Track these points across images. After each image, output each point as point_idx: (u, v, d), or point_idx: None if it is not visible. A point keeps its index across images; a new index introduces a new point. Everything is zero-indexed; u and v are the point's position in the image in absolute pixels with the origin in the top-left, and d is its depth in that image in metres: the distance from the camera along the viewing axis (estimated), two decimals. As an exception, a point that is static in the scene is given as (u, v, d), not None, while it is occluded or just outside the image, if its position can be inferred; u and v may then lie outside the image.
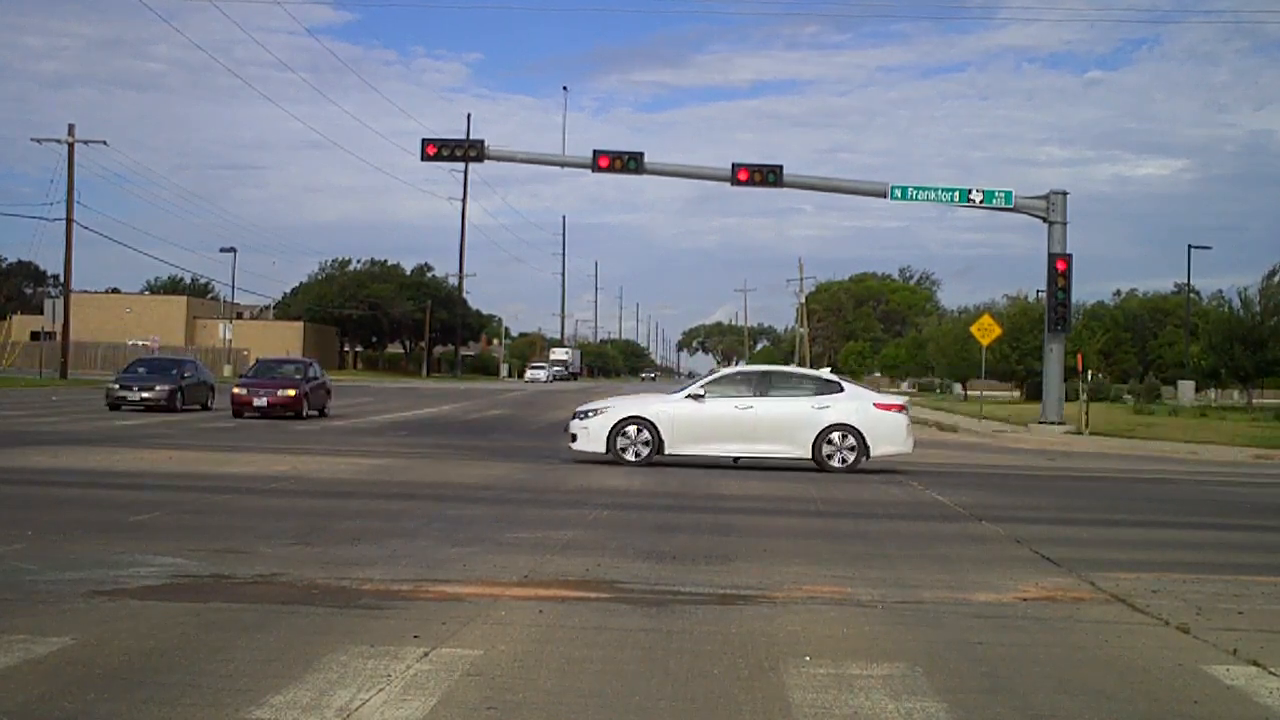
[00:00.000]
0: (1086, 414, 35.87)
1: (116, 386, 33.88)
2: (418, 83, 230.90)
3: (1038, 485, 20.27)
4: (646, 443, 20.46)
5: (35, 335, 74.64)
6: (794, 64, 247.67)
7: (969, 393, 72.42)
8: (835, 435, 20.54)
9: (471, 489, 16.46)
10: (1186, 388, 61.10)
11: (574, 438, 20.87)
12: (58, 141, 53.71)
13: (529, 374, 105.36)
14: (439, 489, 16.40)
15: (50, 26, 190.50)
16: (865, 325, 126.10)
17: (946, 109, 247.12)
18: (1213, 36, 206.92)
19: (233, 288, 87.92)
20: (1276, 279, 53.78)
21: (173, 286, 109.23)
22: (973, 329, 44.75)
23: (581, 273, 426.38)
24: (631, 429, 20.55)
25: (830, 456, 20.50)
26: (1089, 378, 40.68)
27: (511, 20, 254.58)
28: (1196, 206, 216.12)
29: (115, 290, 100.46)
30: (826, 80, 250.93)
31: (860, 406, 20.92)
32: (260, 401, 32.01)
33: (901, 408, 21.44)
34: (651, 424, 20.54)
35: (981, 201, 39.03)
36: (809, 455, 20.60)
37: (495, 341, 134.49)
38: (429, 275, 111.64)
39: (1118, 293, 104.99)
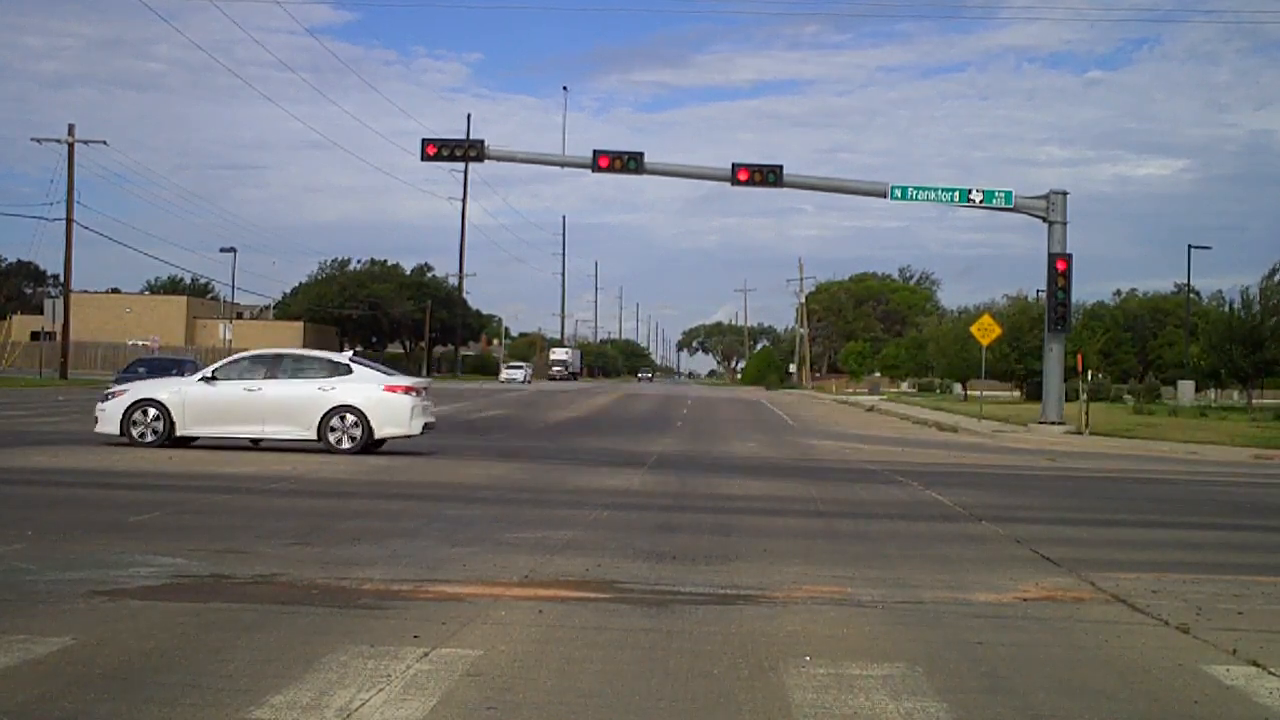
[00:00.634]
0: (1086, 414, 35.86)
1: (116, 386, 33.80)
2: (418, 83, 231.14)
3: (1038, 485, 20.27)
4: (158, 425, 20.86)
5: (35, 335, 74.64)
6: (795, 64, 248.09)
7: (969, 393, 72.41)
8: (340, 417, 20.90)
9: (471, 489, 16.45)
10: (1186, 388, 61.06)
11: (96, 420, 21.34)
12: (58, 141, 53.74)
13: (504, 374, 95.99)
14: (439, 489, 16.41)
15: (50, 26, 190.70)
16: (865, 325, 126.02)
17: (947, 109, 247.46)
18: (1213, 36, 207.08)
19: (233, 288, 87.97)
20: (1277, 279, 53.73)
21: (173, 286, 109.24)
22: (973, 329, 44.74)
23: (582, 273, 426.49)
24: (145, 411, 20.93)
25: (338, 440, 20.87)
26: (1089, 378, 40.67)
27: (512, 20, 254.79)
28: (1197, 206, 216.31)
29: (115, 290, 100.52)
30: (827, 80, 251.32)
31: (367, 389, 21.21)
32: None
33: (409, 389, 21.68)
34: (163, 406, 20.92)
35: (981, 201, 39.02)
36: (315, 437, 20.97)
37: (495, 341, 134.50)
38: (429, 275, 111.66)
39: (1118, 293, 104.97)
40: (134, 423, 20.88)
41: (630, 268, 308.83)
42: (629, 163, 39.26)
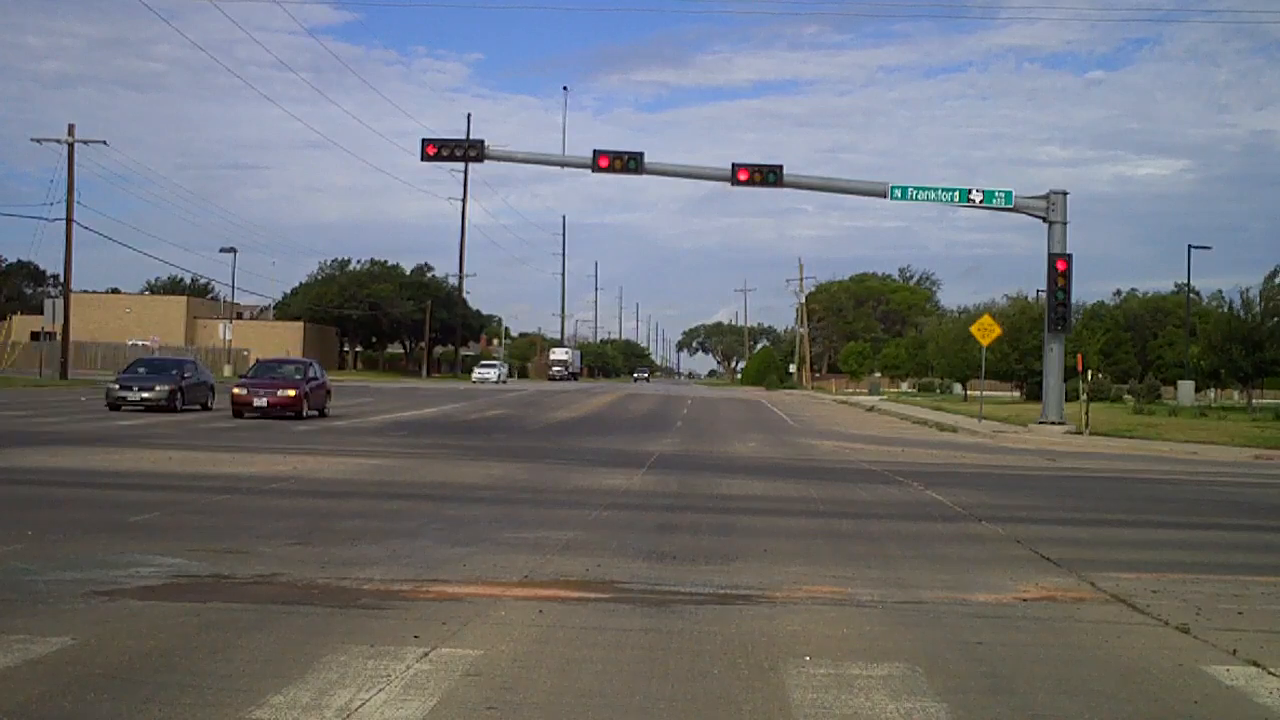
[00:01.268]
0: (1087, 414, 35.86)
1: (116, 386, 33.84)
2: (418, 83, 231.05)
3: (1038, 485, 20.26)
4: None
5: (35, 335, 74.54)
6: (795, 64, 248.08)
7: (969, 393, 72.41)
8: None
9: (471, 489, 16.45)
10: (1186, 388, 61.02)
11: None
12: (58, 141, 53.70)
13: (477, 373, 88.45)
14: (439, 489, 16.40)
15: (51, 26, 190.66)
16: (865, 325, 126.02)
17: (947, 109, 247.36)
18: (1214, 36, 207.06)
19: (233, 288, 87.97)
20: (1277, 280, 53.69)
21: (173, 286, 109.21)
22: (973, 329, 44.73)
23: (582, 273, 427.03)
24: None
25: None
26: (1089, 378, 40.66)
27: (513, 20, 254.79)
28: (1197, 207, 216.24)
29: (115, 290, 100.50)
30: (828, 80, 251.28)
31: None
32: (260, 401, 31.99)
33: None
34: None
35: (981, 201, 39.02)
36: None
37: (495, 341, 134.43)
38: (429, 275, 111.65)
39: (1118, 293, 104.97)
40: None
41: (630, 268, 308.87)
42: (629, 163, 39.26)
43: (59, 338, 57.66)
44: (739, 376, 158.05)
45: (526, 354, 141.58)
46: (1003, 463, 25.50)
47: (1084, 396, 37.18)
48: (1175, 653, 7.62)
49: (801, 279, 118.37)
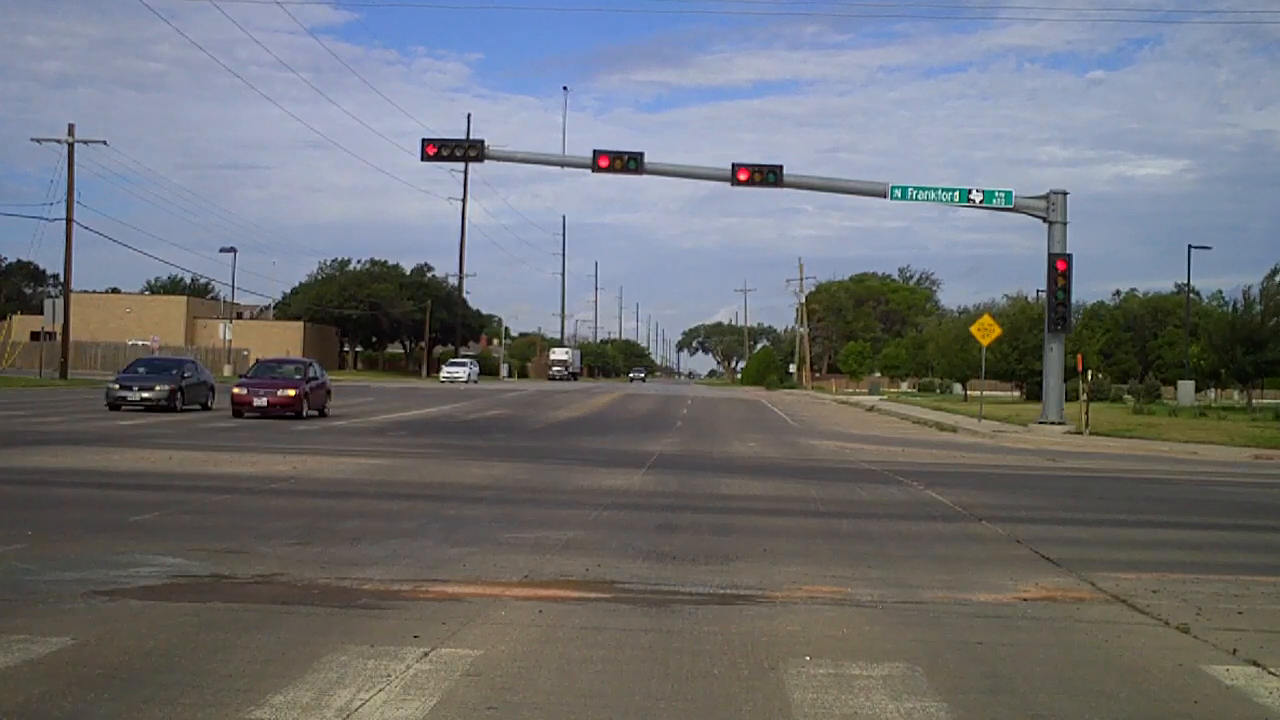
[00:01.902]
0: (1087, 414, 35.86)
1: (116, 386, 33.84)
2: (419, 83, 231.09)
3: (1038, 485, 20.26)
4: None
5: (35, 335, 74.62)
6: (796, 64, 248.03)
7: (969, 393, 72.41)
8: None
9: (471, 489, 16.45)
10: (1186, 388, 61.01)
11: None
12: (58, 141, 53.69)
13: (445, 372, 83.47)
14: (439, 489, 16.40)
15: (51, 26, 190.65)
16: (865, 325, 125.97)
17: (948, 109, 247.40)
18: (1214, 36, 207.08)
19: (233, 288, 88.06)
20: (1278, 279, 53.67)
21: (173, 286, 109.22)
22: (973, 329, 44.73)
23: (582, 273, 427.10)
24: None
25: None
26: (1089, 378, 40.63)
27: (513, 20, 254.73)
28: (1198, 207, 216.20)
29: (115, 290, 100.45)
30: (828, 80, 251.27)
31: None
32: (260, 401, 31.99)
33: None
34: None
35: (981, 202, 39.02)
36: None
37: (495, 341, 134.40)
38: (429, 275, 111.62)
39: (1118, 293, 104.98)
40: None
41: (630, 268, 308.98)
42: (629, 163, 39.27)
43: (59, 338, 57.67)
44: (739, 376, 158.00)
45: (526, 354, 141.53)
46: (1003, 463, 25.50)
47: (1084, 396, 37.18)
48: (1175, 653, 7.62)
49: (801, 279, 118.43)
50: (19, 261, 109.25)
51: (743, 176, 38.85)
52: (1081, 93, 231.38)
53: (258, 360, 40.76)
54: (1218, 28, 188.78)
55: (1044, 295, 42.42)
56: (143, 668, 6.47)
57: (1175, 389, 65.43)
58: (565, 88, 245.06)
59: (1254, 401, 57.47)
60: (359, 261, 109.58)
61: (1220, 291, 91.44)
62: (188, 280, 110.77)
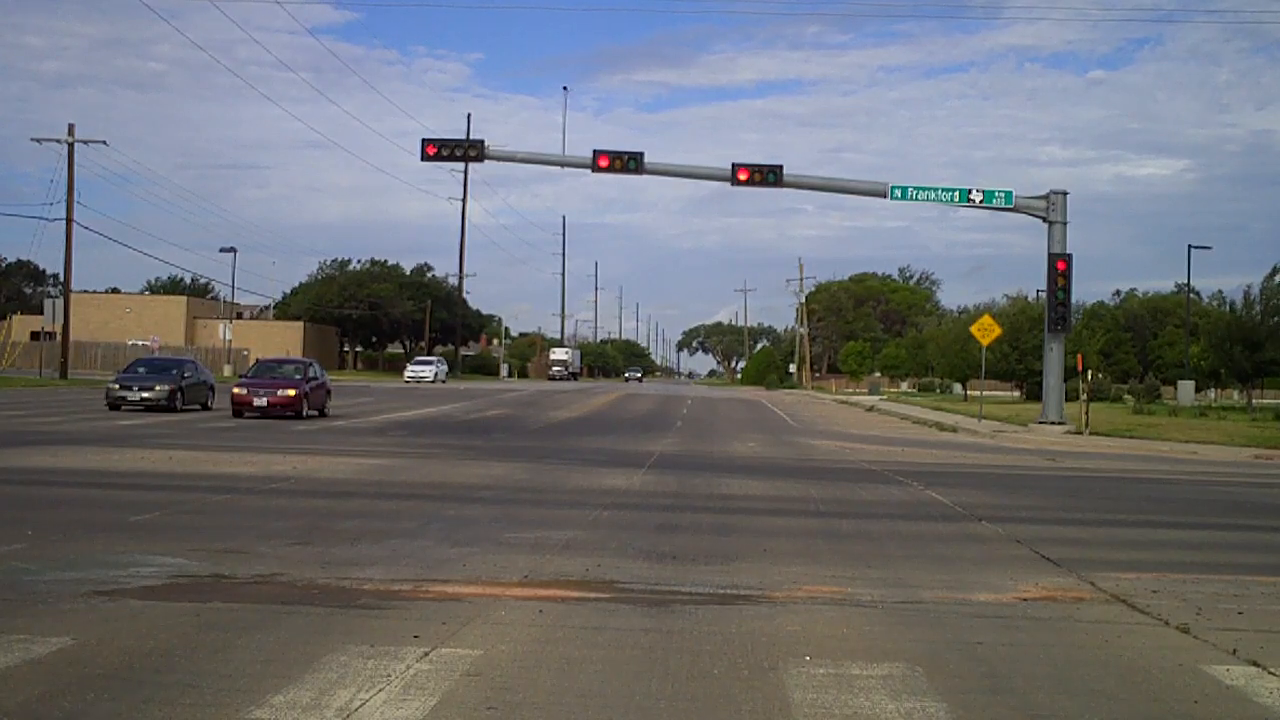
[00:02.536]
0: (1087, 414, 35.86)
1: (116, 386, 33.84)
2: (419, 83, 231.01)
3: (1038, 485, 20.26)
4: None
5: (35, 335, 74.61)
6: (797, 64, 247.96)
7: (969, 392, 72.40)
8: None
9: (471, 489, 16.45)
10: (1186, 388, 61.01)
11: None
12: (58, 141, 53.68)
13: (409, 372, 78.81)
14: (439, 489, 16.40)
15: (52, 26, 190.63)
16: (865, 325, 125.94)
17: (949, 109, 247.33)
18: (1215, 36, 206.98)
19: (233, 288, 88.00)
20: (1277, 279, 53.65)
21: (173, 286, 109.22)
22: (973, 329, 44.73)
23: (582, 273, 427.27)
24: None
25: None
26: (1089, 378, 40.64)
27: (513, 20, 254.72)
28: (1198, 206, 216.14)
29: (115, 290, 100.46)
30: (829, 80, 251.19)
31: None
32: (260, 401, 32.00)
33: None
34: None
35: (981, 201, 39.02)
36: None
37: (495, 341, 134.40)
38: (429, 275, 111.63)
39: (1118, 293, 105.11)
40: None
41: (630, 268, 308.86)
42: (629, 163, 39.27)
43: (59, 338, 57.67)
44: (739, 376, 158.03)
45: (526, 354, 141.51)
46: (1003, 462, 25.50)
47: (1084, 396, 37.18)
48: (1175, 653, 7.63)
49: (801, 279, 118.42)
50: (19, 261, 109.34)
51: (743, 176, 38.85)
52: (1082, 92, 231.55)
53: (258, 360, 40.76)
54: (1218, 27, 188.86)
55: (1044, 295, 42.43)
56: (143, 668, 6.47)
57: (1175, 389, 65.44)
58: (565, 88, 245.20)
59: (1254, 401, 57.45)
60: (359, 261, 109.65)
61: (1220, 291, 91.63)
62: (188, 280, 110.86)
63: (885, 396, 77.18)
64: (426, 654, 6.89)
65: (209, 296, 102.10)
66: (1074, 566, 11.00)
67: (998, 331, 43.87)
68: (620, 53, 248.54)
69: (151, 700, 5.87)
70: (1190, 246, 66.93)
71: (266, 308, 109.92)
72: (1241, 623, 8.60)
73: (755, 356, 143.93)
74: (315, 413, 33.80)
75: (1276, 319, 52.86)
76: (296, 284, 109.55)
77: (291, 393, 32.30)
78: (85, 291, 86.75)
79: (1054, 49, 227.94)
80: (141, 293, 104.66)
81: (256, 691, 6.06)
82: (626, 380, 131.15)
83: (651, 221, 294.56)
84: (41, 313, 60.08)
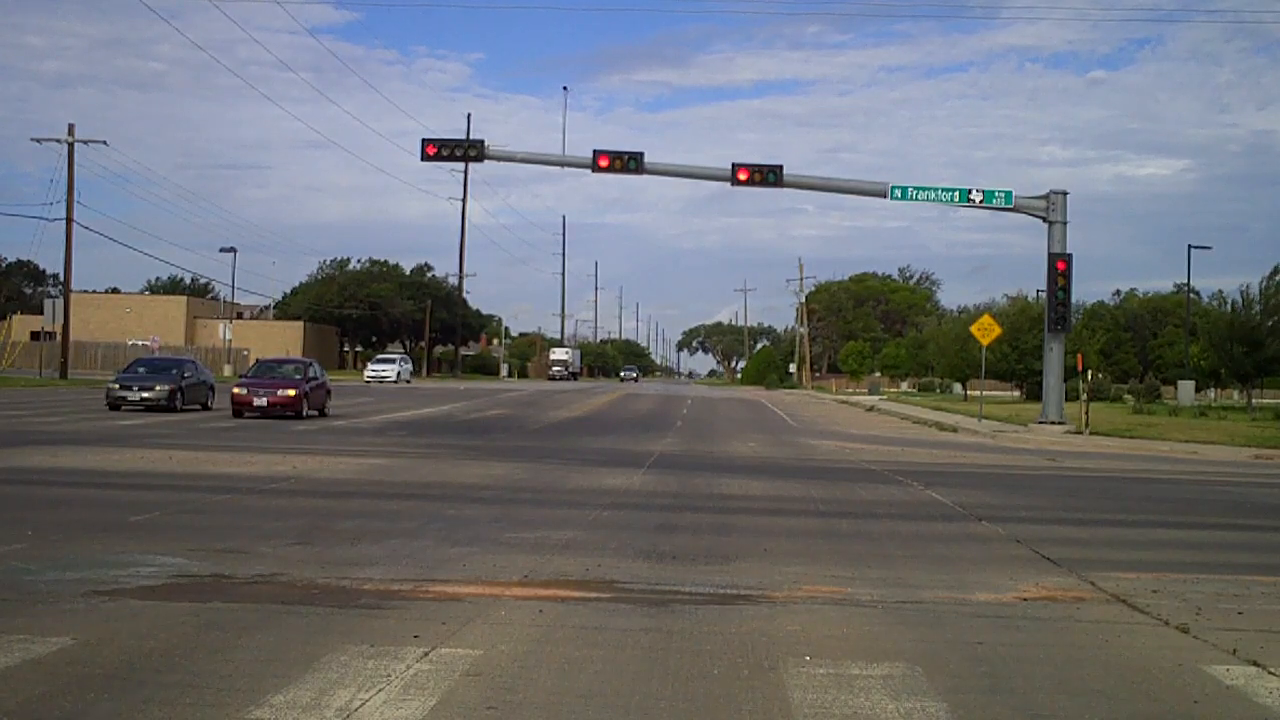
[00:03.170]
0: (1087, 414, 35.86)
1: (116, 386, 33.85)
2: (419, 83, 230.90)
3: (1038, 485, 20.26)
4: None
5: (35, 335, 74.59)
6: (797, 64, 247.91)
7: (969, 392, 72.40)
8: None
9: (471, 489, 16.45)
10: (1186, 388, 61.00)
11: None
12: (58, 141, 53.68)
13: (369, 371, 74.61)
14: (439, 489, 16.40)
15: (52, 26, 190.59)
16: (865, 325, 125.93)
17: (949, 109, 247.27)
18: (1215, 36, 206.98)
19: (233, 288, 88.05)
20: (1277, 278, 53.62)
21: (173, 286, 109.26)
22: (973, 329, 44.74)
23: (583, 273, 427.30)
24: None
25: None
26: (1089, 378, 40.65)
27: (514, 20, 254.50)
28: (1198, 206, 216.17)
29: (115, 290, 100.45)
30: (829, 80, 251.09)
31: None
32: (260, 401, 32.00)
33: None
34: None
35: (981, 201, 39.02)
36: None
37: (495, 341, 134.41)
38: (429, 275, 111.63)
39: (1117, 293, 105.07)
40: None
41: (631, 268, 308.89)
42: (629, 163, 39.27)
43: (59, 338, 57.68)
44: (739, 376, 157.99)
45: (526, 354, 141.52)
46: (1003, 462, 25.50)
47: (1084, 396, 37.19)
48: (1175, 652, 7.63)
49: (801, 279, 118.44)
50: (19, 261, 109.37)
51: (743, 176, 38.84)
52: (1082, 93, 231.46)
53: (258, 360, 40.76)
54: (1219, 28, 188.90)
55: (1044, 295, 42.43)
56: (143, 668, 6.47)
57: (1175, 389, 65.45)
58: (565, 88, 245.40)
59: (1254, 401, 57.45)
60: (359, 261, 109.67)
61: (1221, 291, 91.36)
62: (188, 280, 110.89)
63: (885, 396, 77.18)
64: (426, 654, 6.89)
65: (209, 296, 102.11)
66: (1074, 566, 11.00)
67: (998, 331, 43.87)
68: (620, 53, 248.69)
69: (151, 700, 5.87)
70: (1190, 246, 66.99)
71: (266, 308, 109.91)
72: (1241, 623, 8.60)
73: (755, 356, 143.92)
74: (315, 413, 33.80)
75: (1276, 318, 52.85)
76: (296, 284, 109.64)
77: (291, 393, 32.30)
78: (85, 291, 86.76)
79: (1054, 49, 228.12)
80: (141, 293, 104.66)
81: (256, 691, 6.06)
82: (622, 379, 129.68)
83: (652, 221, 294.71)
84: (41, 313, 60.10)
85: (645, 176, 40.30)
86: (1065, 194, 39.18)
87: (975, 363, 51.80)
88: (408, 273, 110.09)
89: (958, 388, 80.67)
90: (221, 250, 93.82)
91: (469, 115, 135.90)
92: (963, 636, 7.89)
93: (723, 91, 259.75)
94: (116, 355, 74.12)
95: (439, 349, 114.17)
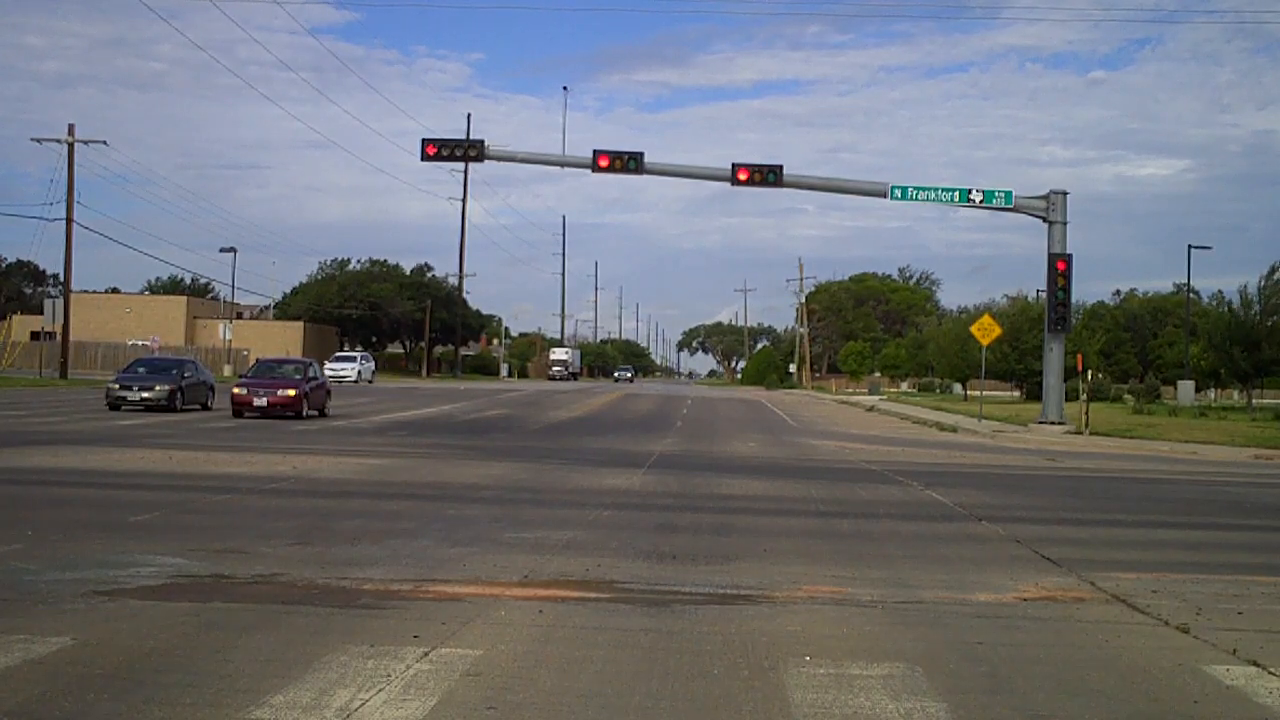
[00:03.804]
0: (1087, 414, 35.86)
1: (116, 386, 33.85)
2: (420, 83, 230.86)
3: (1038, 485, 20.27)
4: None
5: (35, 335, 74.56)
6: (797, 64, 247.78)
7: (969, 393, 72.40)
8: None
9: (471, 489, 16.45)
10: (1186, 388, 61.00)
11: None
12: (58, 141, 53.68)
13: (329, 369, 66.39)
14: (439, 489, 16.40)
15: (52, 26, 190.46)
16: (865, 325, 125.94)
17: (949, 109, 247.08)
18: (1216, 36, 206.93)
19: (233, 288, 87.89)
20: (1276, 278, 53.63)
21: (173, 286, 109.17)
22: (973, 329, 44.74)
23: (583, 273, 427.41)
24: None
25: None
26: (1089, 378, 40.65)
27: (514, 20, 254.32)
28: (1198, 207, 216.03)
29: (115, 290, 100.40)
30: (829, 80, 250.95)
31: None
32: (260, 401, 32.00)
33: None
34: None
35: (981, 201, 39.03)
36: None
37: (495, 341, 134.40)
38: (429, 275, 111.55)
39: (1117, 293, 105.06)
40: None
41: (631, 268, 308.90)
42: (629, 163, 39.27)
43: (59, 338, 57.68)
44: (739, 376, 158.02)
45: (526, 354, 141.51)
46: (1003, 462, 25.51)
47: (1084, 396, 37.19)
48: (1175, 653, 7.63)
49: (801, 279, 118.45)
50: (19, 261, 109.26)
51: (743, 176, 38.85)
52: (1083, 93, 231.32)
53: (258, 360, 40.77)
54: (1219, 28, 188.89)
55: (1044, 295, 42.43)
56: (143, 668, 6.47)
57: (1175, 389, 65.45)
58: (565, 88, 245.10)
59: (1254, 401, 57.45)
60: (359, 261, 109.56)
61: (1220, 291, 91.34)
62: (188, 280, 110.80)
63: (885, 396, 77.18)
64: (426, 654, 6.89)
65: (209, 296, 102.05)
66: (1074, 566, 11.00)
67: (998, 331, 43.88)
68: (620, 53, 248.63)
69: (151, 700, 5.87)
70: (1190, 246, 66.95)
71: (266, 308, 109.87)
72: (1241, 623, 8.60)
73: (755, 356, 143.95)
74: (315, 413, 33.80)
75: (1275, 318, 52.84)
76: (296, 284, 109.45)
77: (291, 393, 32.31)
78: (85, 291, 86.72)
79: (1055, 49, 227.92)
80: (141, 293, 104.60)
81: (256, 691, 6.06)
82: (616, 379, 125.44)
83: (652, 221, 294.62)
84: (41, 313, 60.11)
85: (645, 176, 40.34)
86: (1065, 194, 39.19)
87: (975, 363, 51.81)
88: (408, 273, 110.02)
89: (958, 388, 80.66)
90: (221, 250, 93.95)
91: (469, 115, 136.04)
92: (963, 636, 7.89)
93: (723, 91, 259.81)
94: (116, 355, 74.09)
95: (439, 349, 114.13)
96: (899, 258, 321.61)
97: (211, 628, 7.44)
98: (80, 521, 11.99)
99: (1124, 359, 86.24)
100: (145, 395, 33.23)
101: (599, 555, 10.80)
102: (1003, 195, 38.94)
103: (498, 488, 16.74)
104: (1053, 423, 37.77)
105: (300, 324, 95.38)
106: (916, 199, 39.69)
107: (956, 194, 39.44)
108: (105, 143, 57.65)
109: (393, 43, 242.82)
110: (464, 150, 40.82)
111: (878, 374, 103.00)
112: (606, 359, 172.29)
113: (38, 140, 55.12)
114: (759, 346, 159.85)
